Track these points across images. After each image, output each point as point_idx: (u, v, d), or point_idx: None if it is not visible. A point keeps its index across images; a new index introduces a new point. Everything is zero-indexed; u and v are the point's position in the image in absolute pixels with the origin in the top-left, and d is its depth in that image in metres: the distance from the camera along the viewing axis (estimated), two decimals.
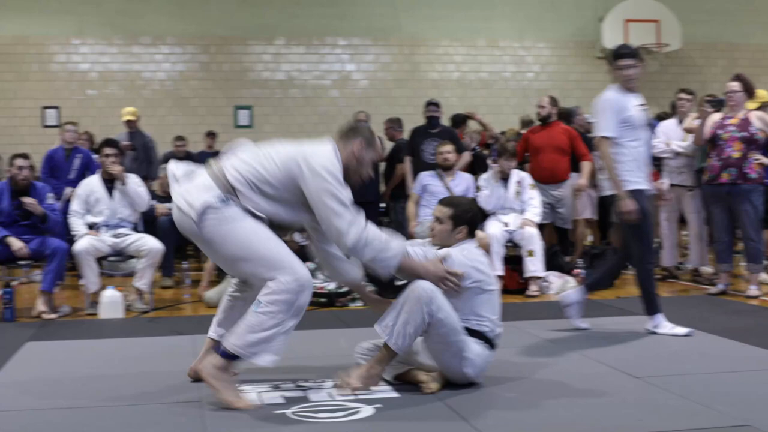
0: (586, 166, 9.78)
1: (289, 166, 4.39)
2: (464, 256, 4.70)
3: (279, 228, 4.50)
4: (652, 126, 6.32)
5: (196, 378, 4.67)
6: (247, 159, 4.48)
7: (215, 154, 13.44)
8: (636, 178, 6.12)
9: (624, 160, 6.11)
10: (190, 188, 4.41)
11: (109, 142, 8.39)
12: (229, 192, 4.34)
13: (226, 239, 4.31)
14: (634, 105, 6.16)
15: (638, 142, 6.16)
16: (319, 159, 4.39)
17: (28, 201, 7.58)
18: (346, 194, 4.37)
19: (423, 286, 4.42)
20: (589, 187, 10.29)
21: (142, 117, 12.20)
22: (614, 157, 6.09)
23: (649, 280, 6.29)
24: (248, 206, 4.35)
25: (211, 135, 13.85)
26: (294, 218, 4.56)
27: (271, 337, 4.25)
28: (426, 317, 4.37)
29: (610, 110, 6.10)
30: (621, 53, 6.26)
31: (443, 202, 4.97)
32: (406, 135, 11.07)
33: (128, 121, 11.63)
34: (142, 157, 11.48)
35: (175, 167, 4.59)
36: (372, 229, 4.39)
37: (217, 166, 4.50)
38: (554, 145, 9.68)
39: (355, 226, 4.32)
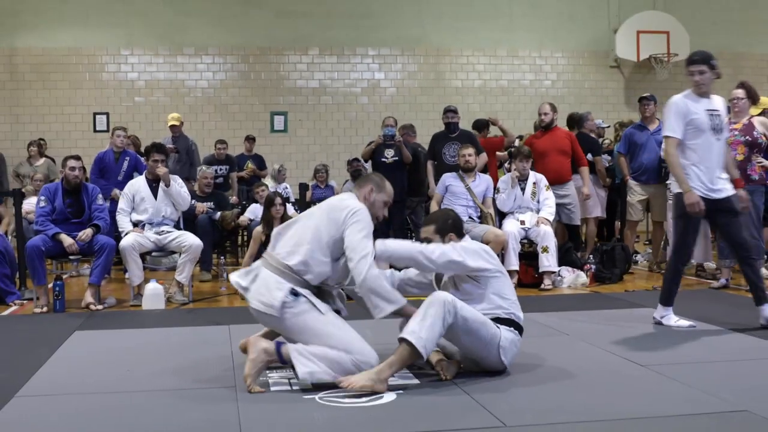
0: (584, 171, 9.73)
1: (333, 216, 4.58)
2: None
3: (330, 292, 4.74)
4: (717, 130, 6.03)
5: (245, 349, 4.68)
6: (296, 236, 4.63)
7: (254, 156, 13.53)
8: (692, 182, 5.90)
9: (686, 164, 5.92)
10: (260, 290, 4.55)
11: (158, 148, 8.39)
12: (297, 280, 4.52)
13: (305, 329, 4.50)
14: (702, 109, 5.92)
15: (701, 145, 5.90)
16: (348, 200, 4.67)
17: (83, 236, 7.55)
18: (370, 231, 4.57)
19: (443, 294, 4.42)
20: (599, 188, 10.25)
21: (185, 122, 12.24)
22: (679, 156, 5.91)
23: (674, 277, 6.18)
24: (314, 281, 4.58)
25: (250, 139, 13.91)
26: (344, 274, 4.69)
27: (322, 367, 4.37)
28: (448, 317, 4.32)
29: (675, 113, 5.91)
30: (692, 59, 6.03)
31: (423, 223, 5.05)
32: (419, 139, 11.12)
33: (172, 126, 11.65)
34: (184, 159, 11.50)
35: (237, 278, 4.71)
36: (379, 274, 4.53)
37: (272, 258, 4.63)
38: (558, 148, 9.60)
39: (370, 258, 4.46)
